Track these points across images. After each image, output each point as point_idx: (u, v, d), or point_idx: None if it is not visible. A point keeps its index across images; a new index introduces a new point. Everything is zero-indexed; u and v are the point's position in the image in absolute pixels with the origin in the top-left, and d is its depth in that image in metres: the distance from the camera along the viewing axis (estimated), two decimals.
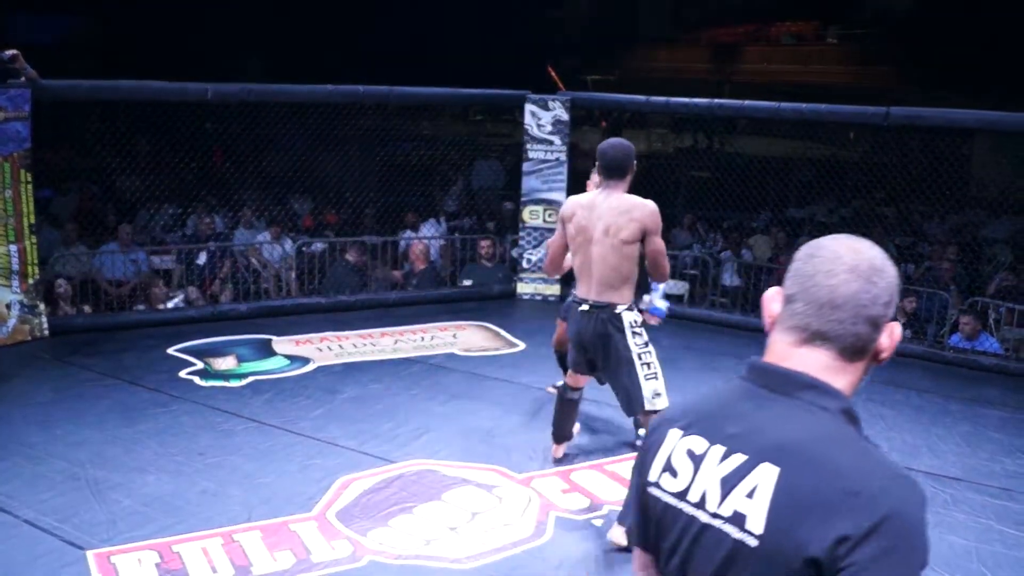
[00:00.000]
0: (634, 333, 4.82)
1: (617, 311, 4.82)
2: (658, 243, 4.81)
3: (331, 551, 4.53)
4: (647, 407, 4.75)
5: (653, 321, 5.54)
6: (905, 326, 8.96)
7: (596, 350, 4.89)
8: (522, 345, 8.07)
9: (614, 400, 6.42)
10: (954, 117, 8.61)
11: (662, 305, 5.64)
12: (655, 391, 4.78)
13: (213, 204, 10.89)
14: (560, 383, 6.67)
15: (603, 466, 5.69)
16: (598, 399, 6.70)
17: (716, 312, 9.51)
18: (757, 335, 8.80)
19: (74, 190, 10.96)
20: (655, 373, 4.82)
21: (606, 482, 5.46)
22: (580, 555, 4.67)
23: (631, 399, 4.82)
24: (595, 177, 5.84)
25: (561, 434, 5.59)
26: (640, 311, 5.17)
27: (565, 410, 5.46)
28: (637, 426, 6.09)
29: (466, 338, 8.36)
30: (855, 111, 9.05)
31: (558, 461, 5.62)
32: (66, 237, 9.31)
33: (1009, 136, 9.39)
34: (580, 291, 4.91)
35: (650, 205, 4.79)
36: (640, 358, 4.79)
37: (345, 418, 6.27)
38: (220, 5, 19.19)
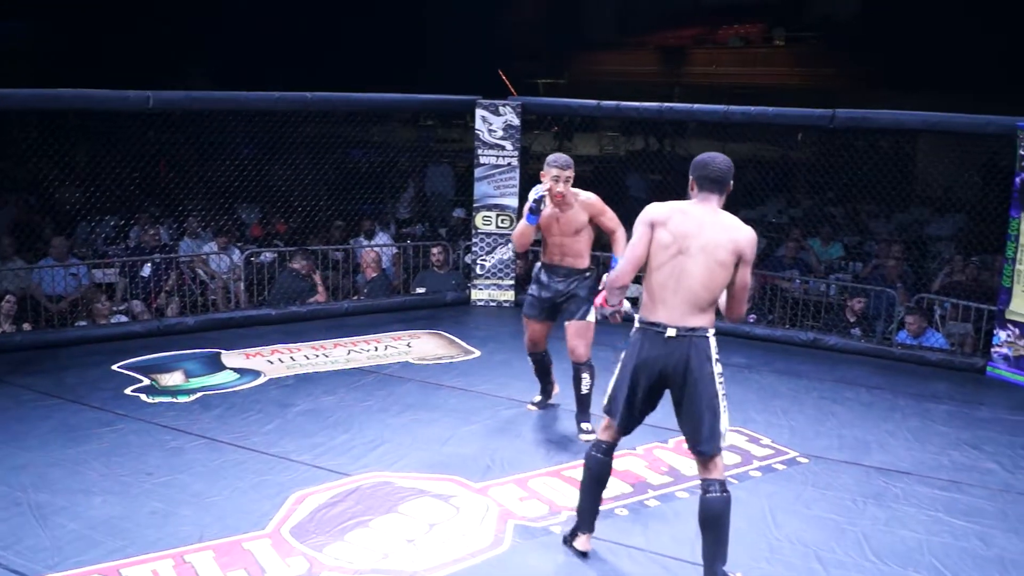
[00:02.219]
0: (718, 361, 4.33)
1: (708, 336, 4.31)
2: (748, 275, 4.33)
3: (286, 568, 4.42)
4: (722, 444, 4.29)
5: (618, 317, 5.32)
6: (854, 324, 9.04)
7: (675, 381, 4.30)
8: (477, 352, 8.00)
9: (570, 405, 6.43)
10: (899, 118, 8.71)
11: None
12: (727, 427, 4.34)
13: (157, 215, 10.73)
14: (538, 398, 6.76)
15: (560, 472, 5.63)
16: (557, 403, 6.67)
17: None
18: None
19: (11, 202, 10.74)
20: (726, 407, 4.35)
21: (564, 488, 5.40)
22: (539, 562, 4.62)
23: (713, 433, 4.25)
24: (552, 172, 5.99)
25: (594, 517, 4.74)
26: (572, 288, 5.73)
27: (603, 477, 4.66)
28: (580, 423, 6.18)
29: (420, 347, 8.28)
30: (802, 113, 9.12)
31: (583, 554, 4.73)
32: (2, 251, 9.12)
33: (952, 136, 9.50)
34: (655, 314, 4.31)
35: (752, 233, 4.31)
36: (722, 389, 4.31)
37: (298, 432, 6.16)
38: (163, 12, 19.01)
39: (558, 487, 5.42)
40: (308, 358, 7.85)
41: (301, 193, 10.23)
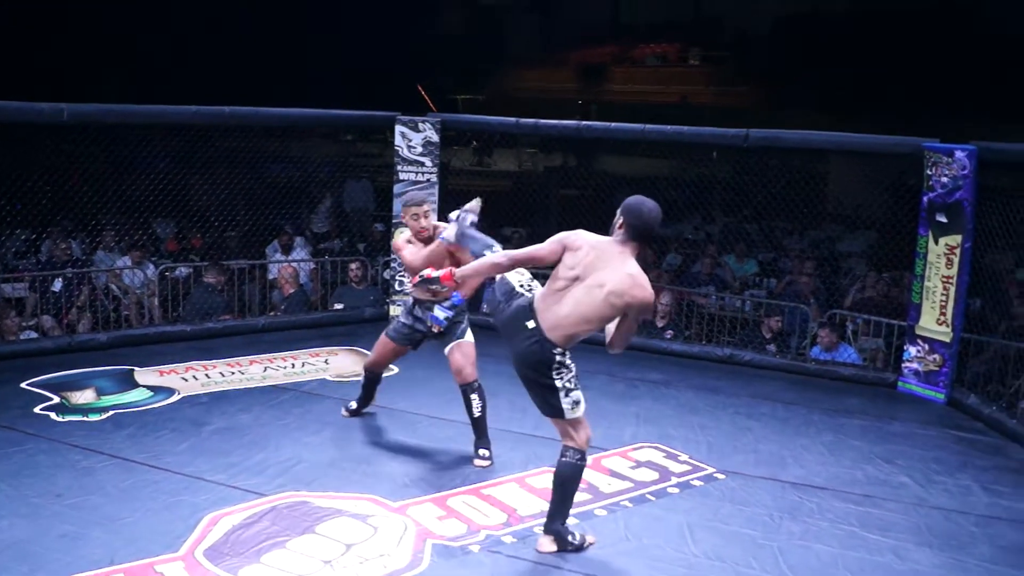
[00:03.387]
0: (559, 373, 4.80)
1: (555, 347, 4.72)
2: (633, 326, 4.73)
3: None
4: (574, 414, 4.86)
5: (433, 328, 6.18)
6: (770, 340, 9.17)
7: (524, 366, 4.81)
8: (395, 369, 7.95)
9: (495, 424, 6.44)
10: (810, 138, 8.90)
11: (440, 314, 6.16)
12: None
13: (69, 228, 10.52)
14: (354, 405, 6.91)
15: (480, 490, 5.63)
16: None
17: None
18: (629, 353, 8.88)
19: None
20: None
21: (483, 506, 5.40)
22: None
23: (545, 403, 4.85)
24: (411, 211, 6.21)
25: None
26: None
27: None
28: (477, 448, 6.17)
29: (338, 363, 8.22)
30: (716, 133, 9.20)
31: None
32: None
33: (862, 156, 9.71)
34: (539, 305, 4.74)
35: (648, 294, 4.60)
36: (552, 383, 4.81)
37: (213, 451, 6.07)
38: (78, 22, 18.68)
39: (477, 506, 5.41)
40: (224, 375, 7.75)
41: (218, 208, 10.10)
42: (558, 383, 4.74)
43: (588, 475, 5.89)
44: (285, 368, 8.02)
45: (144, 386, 7.37)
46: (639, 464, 6.17)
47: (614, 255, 4.61)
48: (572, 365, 4.82)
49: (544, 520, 4.99)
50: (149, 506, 5.20)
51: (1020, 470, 6.44)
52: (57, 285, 9.26)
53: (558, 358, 4.72)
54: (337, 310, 9.79)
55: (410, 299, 6.47)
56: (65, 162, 9.69)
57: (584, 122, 9.60)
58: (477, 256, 5.10)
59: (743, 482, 5.97)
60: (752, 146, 8.84)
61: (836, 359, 8.75)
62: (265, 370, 7.94)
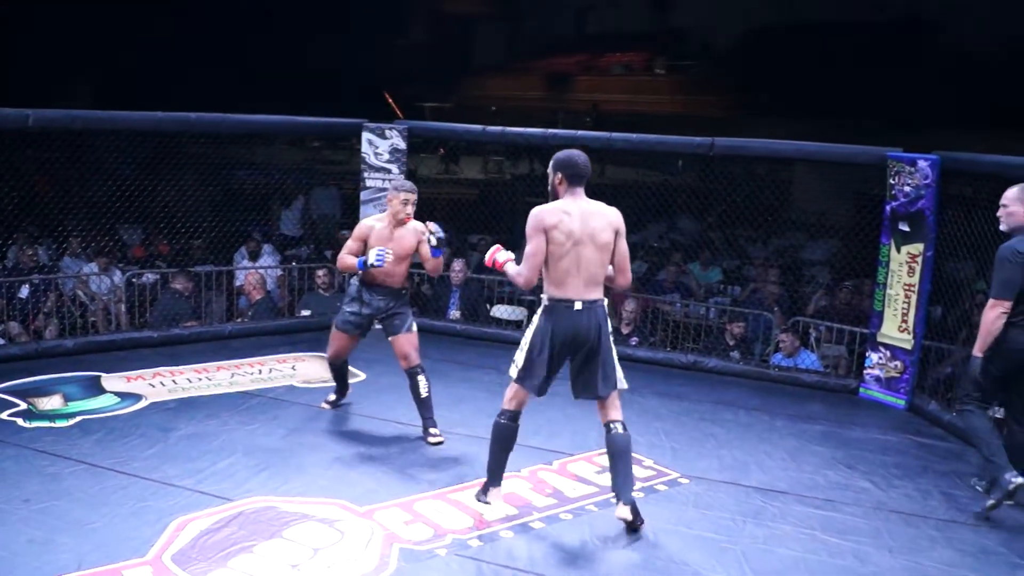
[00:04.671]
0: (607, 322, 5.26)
1: (603, 306, 5.19)
2: (625, 245, 5.24)
3: None
4: (619, 386, 5.33)
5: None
6: (733, 347, 9.26)
7: (587, 343, 5.16)
8: (363, 375, 7.98)
9: (463, 429, 6.50)
10: (775, 148, 8.91)
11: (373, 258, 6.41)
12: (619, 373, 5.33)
13: (36, 234, 10.47)
14: (333, 397, 7.18)
15: (446, 495, 5.66)
16: (442, 428, 6.69)
17: None
18: None
19: None
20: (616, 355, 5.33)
21: (450, 511, 5.43)
22: None
23: (607, 380, 5.24)
24: (402, 196, 6.51)
25: (502, 474, 5.56)
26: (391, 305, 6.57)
27: (512, 441, 5.47)
28: (427, 428, 6.58)
29: (305, 369, 8.23)
30: (682, 141, 9.24)
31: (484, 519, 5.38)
32: None
33: (825, 165, 9.81)
34: (563, 291, 5.11)
35: (617, 210, 5.24)
36: (613, 344, 5.29)
37: (180, 456, 6.07)
38: (47, 28, 18.58)
39: (443, 510, 5.44)
40: (191, 381, 7.74)
41: (185, 214, 10.09)
42: (607, 351, 5.23)
43: (555, 480, 5.96)
44: (252, 374, 8.03)
45: (111, 392, 7.36)
46: (604, 469, 6.17)
47: (580, 207, 5.13)
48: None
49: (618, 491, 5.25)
50: (117, 511, 5.20)
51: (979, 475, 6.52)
52: (24, 291, 9.22)
53: (605, 318, 5.22)
54: (304, 316, 9.80)
55: (353, 287, 6.76)
56: (31, 168, 9.64)
57: (550, 130, 9.65)
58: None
59: (707, 487, 6.03)
60: (717, 154, 8.91)
61: (798, 365, 8.85)
62: (232, 376, 7.94)
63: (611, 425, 5.29)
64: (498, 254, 5.50)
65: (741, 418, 7.59)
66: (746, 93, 21.92)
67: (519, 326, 10.23)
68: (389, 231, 6.59)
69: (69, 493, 5.42)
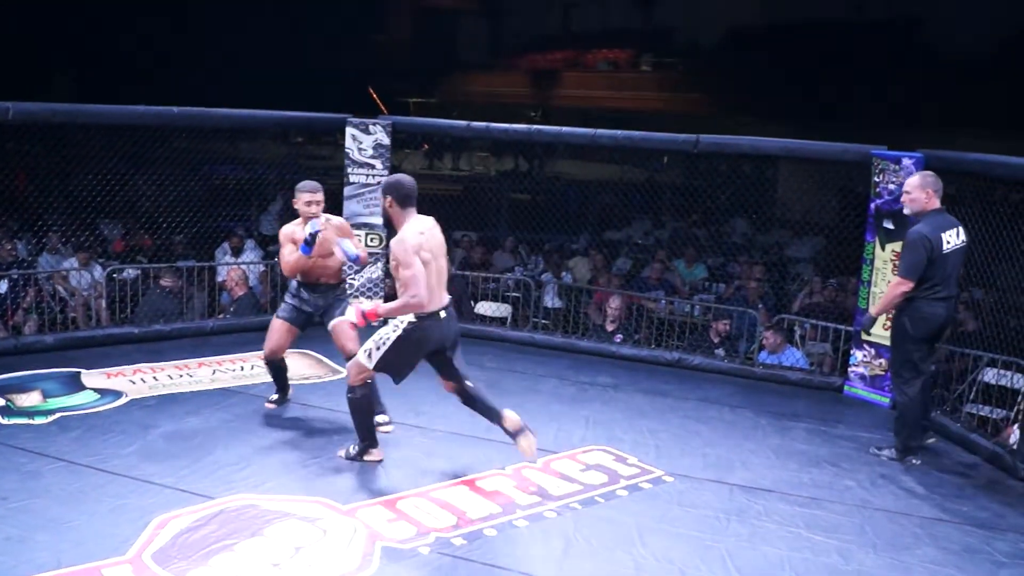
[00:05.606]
0: None
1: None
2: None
3: None
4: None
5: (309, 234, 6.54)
6: (717, 345, 9.25)
7: (451, 344, 5.77)
8: (344, 372, 7.93)
9: (445, 427, 6.48)
10: (759, 144, 8.91)
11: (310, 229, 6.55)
12: None
13: (15, 229, 10.40)
14: (275, 397, 7.22)
15: (428, 493, 5.62)
16: (424, 426, 6.67)
17: (538, 334, 9.56)
18: (580, 356, 8.97)
19: None
20: None
21: (433, 509, 5.40)
22: None
23: (462, 367, 5.83)
24: (304, 196, 6.65)
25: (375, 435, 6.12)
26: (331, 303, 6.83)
27: (374, 404, 6.15)
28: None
29: (288, 366, 8.17)
30: (667, 138, 9.25)
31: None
32: None
33: (810, 162, 9.80)
34: (431, 305, 5.55)
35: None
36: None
37: (161, 454, 6.02)
38: (27, 19, 18.46)
39: (427, 508, 5.41)
40: (172, 378, 7.68)
41: (166, 209, 10.02)
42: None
43: (539, 478, 5.94)
44: (234, 371, 7.98)
45: (91, 388, 7.30)
46: (588, 467, 6.20)
47: (424, 223, 5.62)
48: None
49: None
50: (96, 509, 5.15)
51: (963, 473, 6.54)
52: (2, 286, 9.14)
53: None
54: None
55: (293, 282, 6.87)
56: (10, 161, 9.56)
57: (535, 126, 9.63)
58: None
59: (691, 485, 6.02)
60: (702, 151, 8.90)
61: (782, 362, 8.84)
62: (214, 373, 7.88)
63: (462, 386, 5.86)
64: (364, 306, 5.71)
65: (726, 416, 7.58)
66: (730, 91, 21.97)
67: (504, 323, 10.22)
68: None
69: (48, 491, 5.37)
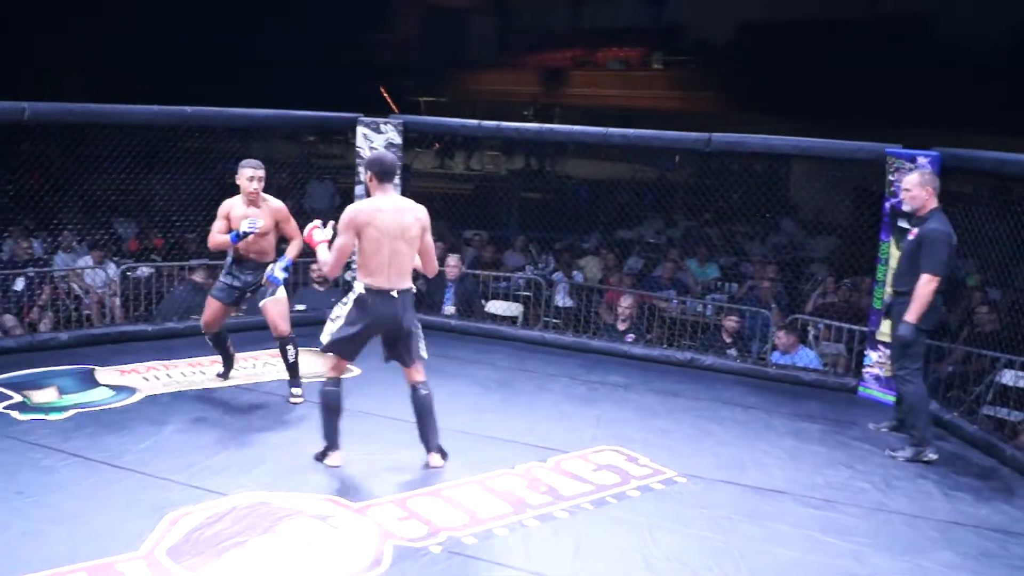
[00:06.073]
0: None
1: (412, 292, 5.76)
2: (431, 239, 5.82)
3: None
4: (422, 356, 5.93)
5: (270, 289, 7.04)
6: (730, 345, 9.23)
7: (398, 325, 5.70)
8: (358, 371, 7.92)
9: (455, 425, 6.47)
10: (772, 143, 8.86)
11: (280, 275, 7.02)
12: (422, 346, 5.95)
13: (31, 227, 10.44)
14: (221, 370, 7.60)
15: (440, 491, 5.63)
16: (442, 425, 6.67)
17: (549, 334, 9.57)
18: (591, 356, 8.97)
19: None
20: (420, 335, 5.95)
21: (444, 507, 5.41)
22: None
23: (414, 352, 5.84)
24: (247, 172, 7.03)
25: (337, 438, 6.00)
26: (260, 279, 7.06)
27: (340, 405, 5.93)
28: (291, 387, 7.24)
29: (300, 363, 8.18)
30: (679, 137, 9.21)
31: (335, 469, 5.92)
32: None
33: (824, 161, 9.76)
34: (380, 282, 5.59)
35: (423, 207, 5.76)
36: (416, 328, 5.87)
37: (174, 450, 6.05)
38: (39, 21, 18.52)
39: (438, 507, 5.42)
40: (185, 375, 7.72)
41: (180, 208, 10.05)
42: (415, 329, 5.84)
43: (549, 478, 5.94)
44: (246, 368, 8.00)
45: (105, 385, 7.34)
46: (600, 467, 6.19)
47: (392, 204, 5.62)
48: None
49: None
50: (110, 505, 5.18)
51: (980, 475, 6.50)
52: (19, 284, 9.19)
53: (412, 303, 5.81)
54: (299, 311, 9.76)
55: (229, 259, 7.16)
56: (27, 161, 9.60)
57: (546, 125, 9.62)
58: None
59: (703, 486, 6.01)
60: (714, 150, 8.87)
61: (795, 362, 8.82)
62: None
63: (417, 386, 5.88)
64: (315, 232, 5.99)
65: (738, 416, 7.56)
66: (742, 89, 21.90)
67: (514, 322, 10.22)
68: (244, 210, 7.02)
69: (63, 486, 5.40)
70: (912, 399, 6.68)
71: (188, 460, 5.89)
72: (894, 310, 6.84)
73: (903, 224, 7.80)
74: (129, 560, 4.58)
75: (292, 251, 7.18)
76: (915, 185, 6.64)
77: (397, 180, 8.61)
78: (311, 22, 23.45)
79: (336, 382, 5.87)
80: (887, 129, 9.82)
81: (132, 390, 7.24)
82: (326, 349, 5.84)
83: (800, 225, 13.13)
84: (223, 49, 20.73)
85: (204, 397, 7.21)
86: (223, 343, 7.47)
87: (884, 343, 8.07)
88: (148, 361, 7.99)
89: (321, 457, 5.95)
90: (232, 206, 7.04)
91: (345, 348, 5.81)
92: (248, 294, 7.23)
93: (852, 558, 5.11)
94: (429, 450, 5.95)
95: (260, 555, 4.72)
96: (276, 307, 7.08)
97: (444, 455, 6.01)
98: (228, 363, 7.61)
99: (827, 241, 12.25)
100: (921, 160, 7.72)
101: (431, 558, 4.84)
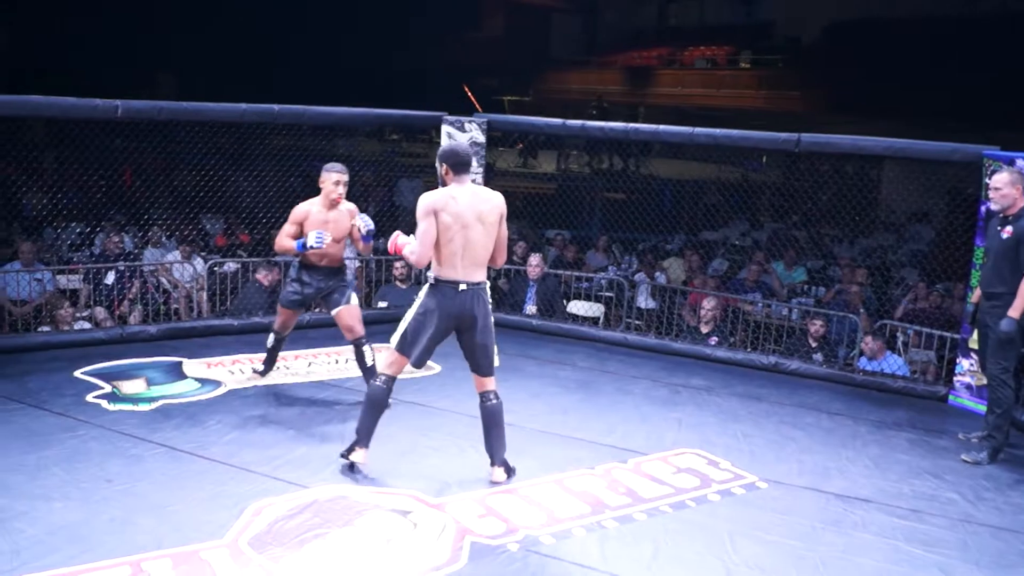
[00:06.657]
0: (489, 304, 5.67)
1: (486, 287, 5.62)
2: (506, 229, 5.67)
3: None
4: (496, 364, 5.72)
5: (364, 230, 6.89)
6: (816, 349, 9.09)
7: (469, 322, 5.55)
8: (438, 368, 7.99)
9: (534, 425, 6.46)
10: (863, 144, 8.65)
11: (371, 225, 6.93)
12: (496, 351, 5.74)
13: (122, 222, 10.67)
14: (262, 368, 7.52)
15: (518, 490, 5.64)
16: (513, 423, 6.68)
17: (631, 335, 9.52)
18: (673, 358, 8.91)
19: None
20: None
21: (522, 505, 5.41)
22: None
23: (489, 358, 5.66)
24: (333, 176, 6.91)
25: (369, 437, 5.81)
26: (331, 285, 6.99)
27: (384, 404, 5.81)
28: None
29: (381, 360, 8.24)
30: (767, 137, 9.08)
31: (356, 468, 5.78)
32: None
33: (916, 162, 9.55)
34: (450, 273, 5.50)
35: (501, 195, 5.62)
36: (490, 327, 5.67)
37: (257, 443, 6.15)
38: (133, 22, 18.92)
39: (517, 505, 5.42)
40: None
41: (265, 204, 10.20)
42: (490, 328, 5.66)
43: (629, 479, 5.91)
44: (329, 364, 8.09)
45: (192, 377, 7.48)
46: (680, 470, 6.15)
47: (466, 190, 5.48)
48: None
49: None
50: (195, 495, 5.28)
51: None
52: (110, 278, 9.40)
53: (488, 297, 5.65)
54: (381, 308, 9.84)
55: (294, 269, 7.11)
56: (118, 158, 9.81)
57: (632, 124, 9.57)
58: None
59: (785, 492, 5.92)
60: (804, 150, 8.73)
61: (883, 369, 8.65)
62: (309, 365, 8.01)
63: (487, 395, 5.71)
64: (399, 239, 5.79)
65: (823, 422, 7.44)
66: (832, 88, 21.55)
67: (596, 322, 10.19)
68: (324, 213, 6.93)
69: (150, 475, 5.52)
70: (1007, 404, 6.58)
71: (271, 453, 5.98)
72: (985, 315, 6.70)
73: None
74: (213, 548, 4.66)
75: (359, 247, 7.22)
76: (1006, 183, 6.60)
77: (476, 175, 8.65)
78: (398, 23, 23.63)
79: (389, 380, 5.73)
80: (986, 131, 9.59)
81: (218, 383, 7.37)
82: (397, 347, 5.66)
83: (890, 228, 12.90)
84: (321, 49, 20.98)
85: (287, 391, 7.31)
86: (280, 346, 7.45)
87: (975, 350, 7.87)
88: (233, 355, 8.13)
89: (347, 453, 5.77)
90: (309, 212, 6.92)
91: (413, 350, 5.58)
92: (323, 298, 7.14)
93: (938, 570, 4.99)
94: (493, 463, 5.74)
95: (340, 548, 4.76)
96: (350, 311, 7.02)
97: (509, 471, 5.79)
98: (271, 364, 7.54)
99: (919, 245, 12.00)
100: (1020, 162, 7.51)
101: (508, 556, 4.84)
